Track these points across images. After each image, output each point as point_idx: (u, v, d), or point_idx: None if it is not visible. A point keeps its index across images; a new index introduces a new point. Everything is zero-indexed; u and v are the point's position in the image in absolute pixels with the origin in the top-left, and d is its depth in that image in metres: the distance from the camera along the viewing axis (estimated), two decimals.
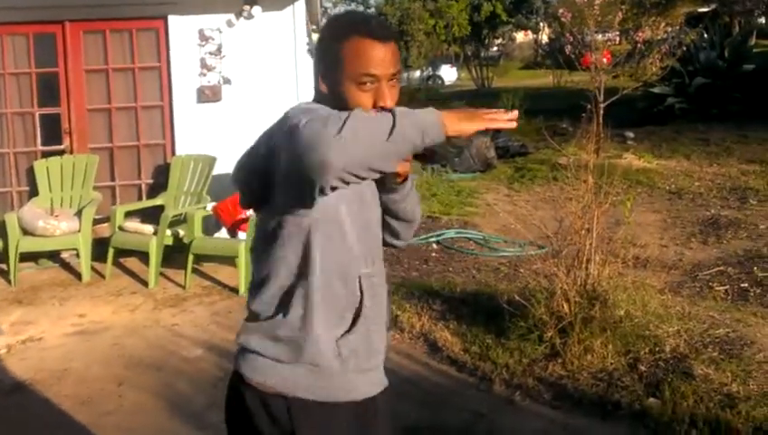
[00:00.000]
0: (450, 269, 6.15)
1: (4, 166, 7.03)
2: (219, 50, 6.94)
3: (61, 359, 4.56)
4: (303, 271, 1.65)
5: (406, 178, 1.77)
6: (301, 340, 1.65)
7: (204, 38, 6.92)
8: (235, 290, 5.72)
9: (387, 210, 1.80)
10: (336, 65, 1.62)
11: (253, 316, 1.75)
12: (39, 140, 7.05)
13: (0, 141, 7.02)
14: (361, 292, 1.69)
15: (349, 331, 1.69)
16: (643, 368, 4.02)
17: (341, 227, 1.66)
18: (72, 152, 6.96)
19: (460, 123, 1.56)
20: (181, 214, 6.32)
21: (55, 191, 6.72)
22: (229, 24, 6.93)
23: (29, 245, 6.11)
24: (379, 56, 1.60)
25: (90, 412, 3.83)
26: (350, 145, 1.41)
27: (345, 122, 1.41)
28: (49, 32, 6.97)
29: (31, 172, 6.86)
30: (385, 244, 1.86)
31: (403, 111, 1.50)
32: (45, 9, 6.76)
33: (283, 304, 1.67)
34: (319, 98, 1.71)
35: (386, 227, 1.83)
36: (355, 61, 1.60)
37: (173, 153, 6.98)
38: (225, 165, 6.57)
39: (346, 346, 1.68)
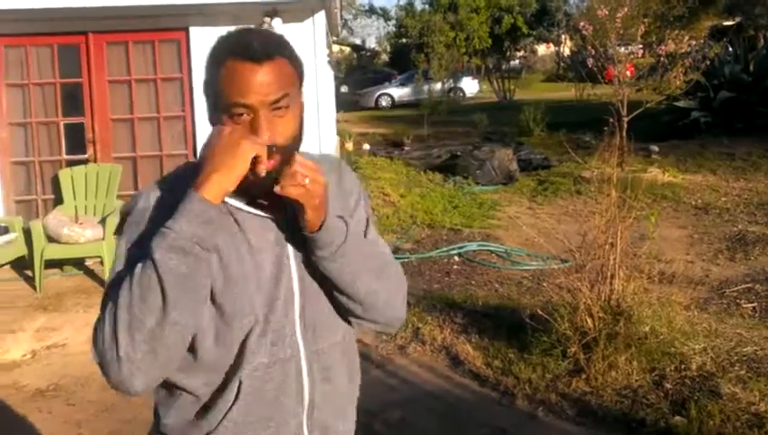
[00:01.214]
0: (472, 282, 6.11)
1: (30, 174, 7.11)
2: None
3: (84, 365, 4.56)
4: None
5: (320, 226, 1.35)
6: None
7: None
8: None
9: (323, 277, 1.42)
10: (213, 96, 1.36)
11: None
12: (64, 149, 7.12)
13: (25, 150, 7.10)
14: (237, 397, 1.39)
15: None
16: (669, 385, 3.96)
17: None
18: (95, 161, 7.02)
19: (220, 181, 1.28)
20: None
21: (80, 199, 6.77)
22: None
23: (54, 252, 6.15)
24: (253, 81, 1.29)
25: (111, 419, 3.83)
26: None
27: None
28: (73, 43, 7.06)
29: (56, 181, 6.93)
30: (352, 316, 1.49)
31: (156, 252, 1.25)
32: (69, 20, 6.85)
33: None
34: None
35: (337, 301, 1.46)
36: (226, 88, 1.31)
37: None
38: None
39: None
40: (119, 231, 1.43)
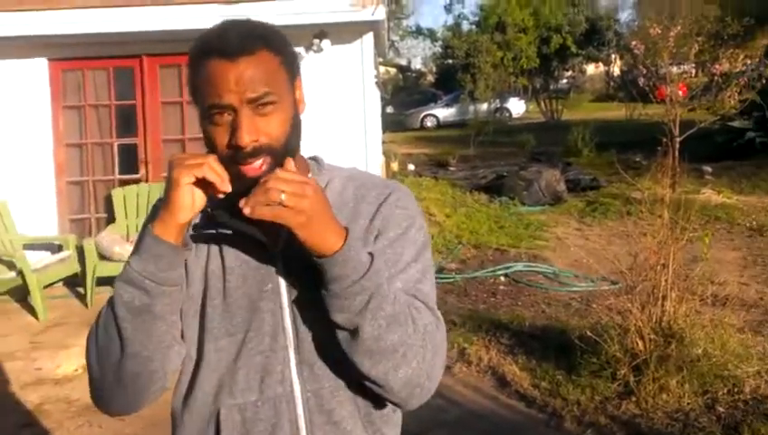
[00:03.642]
0: (519, 303, 6.04)
1: (84, 193, 7.29)
2: None
3: None
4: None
5: (335, 250, 1.15)
6: None
7: None
8: None
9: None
10: (194, 100, 1.25)
11: None
12: (117, 170, 7.29)
13: (80, 170, 7.29)
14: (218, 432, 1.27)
15: None
16: (721, 409, 3.86)
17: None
18: (147, 181, 7.17)
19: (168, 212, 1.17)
20: None
21: (131, 218, 6.91)
22: (299, 57, 7.05)
23: (106, 270, 6.28)
24: (229, 79, 1.17)
25: (162, 433, 3.86)
26: None
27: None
28: (127, 66, 7.25)
29: (108, 200, 7.09)
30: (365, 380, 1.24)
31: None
32: (124, 45, 7.03)
33: None
34: None
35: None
36: (203, 92, 1.20)
37: None
38: None
39: None
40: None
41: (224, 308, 1.26)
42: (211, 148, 1.21)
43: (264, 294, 1.25)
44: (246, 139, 1.16)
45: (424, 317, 1.23)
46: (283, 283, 1.26)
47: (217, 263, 1.28)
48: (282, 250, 1.26)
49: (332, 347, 1.22)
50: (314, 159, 1.37)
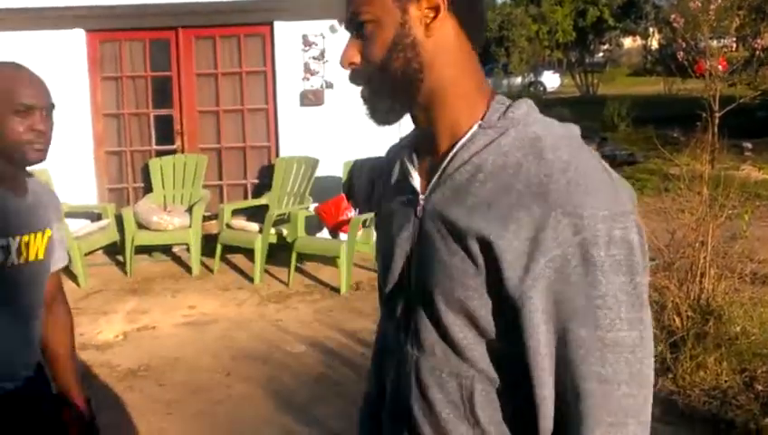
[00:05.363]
0: None
1: (122, 163, 7.38)
2: (322, 55, 7.05)
3: (173, 347, 4.74)
4: None
5: None
6: None
7: (307, 43, 7.06)
8: (336, 290, 5.79)
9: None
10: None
11: None
12: (153, 140, 7.37)
13: (118, 141, 7.38)
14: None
15: None
16: (760, 387, 3.82)
17: None
18: (183, 152, 7.24)
19: None
20: (285, 213, 6.46)
21: (168, 188, 7.00)
22: (332, 29, 7.03)
23: (144, 238, 6.39)
24: None
25: (201, 400, 3.96)
26: None
27: None
28: (163, 38, 7.29)
29: (146, 170, 7.18)
30: None
31: None
32: (161, 16, 7.07)
33: None
34: None
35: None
36: None
37: (277, 155, 7.15)
38: (328, 167, 6.65)
39: None
40: None
41: (383, 255, 1.17)
42: None
43: (400, 239, 1.11)
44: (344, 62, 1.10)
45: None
46: (416, 233, 1.08)
47: (388, 207, 1.18)
48: (426, 196, 1.08)
49: (439, 319, 1.04)
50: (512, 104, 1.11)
